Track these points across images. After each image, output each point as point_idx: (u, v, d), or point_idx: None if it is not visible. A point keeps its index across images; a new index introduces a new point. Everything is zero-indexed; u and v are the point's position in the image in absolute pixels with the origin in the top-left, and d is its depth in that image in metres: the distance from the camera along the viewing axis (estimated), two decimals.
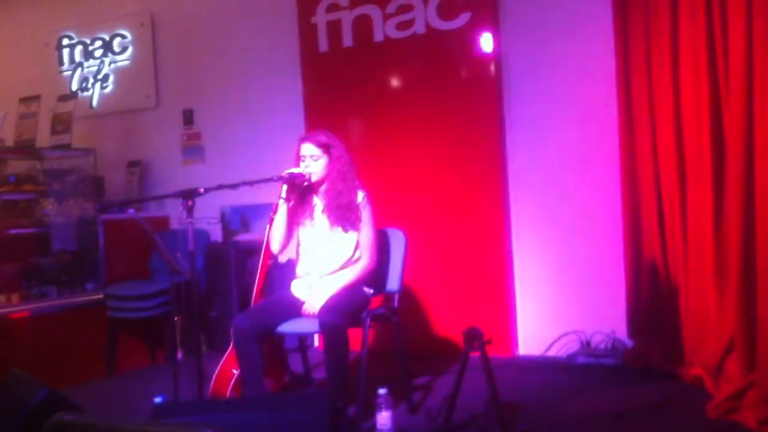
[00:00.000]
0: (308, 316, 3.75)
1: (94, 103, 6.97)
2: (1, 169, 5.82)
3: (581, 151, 5.01)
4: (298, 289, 3.95)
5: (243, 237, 5.87)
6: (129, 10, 6.82)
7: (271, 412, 2.93)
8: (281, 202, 3.83)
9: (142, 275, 5.84)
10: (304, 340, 4.49)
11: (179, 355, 4.56)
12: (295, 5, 5.84)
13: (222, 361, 3.89)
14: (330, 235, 3.88)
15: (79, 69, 7.06)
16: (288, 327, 3.79)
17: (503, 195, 5.19)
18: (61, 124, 5.91)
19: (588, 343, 4.90)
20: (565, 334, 5.00)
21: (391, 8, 5.45)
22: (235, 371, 3.78)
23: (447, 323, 5.27)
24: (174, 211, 6.02)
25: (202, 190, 3.48)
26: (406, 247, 4.10)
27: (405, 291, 4.12)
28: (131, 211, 5.19)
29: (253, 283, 3.97)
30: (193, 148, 6.52)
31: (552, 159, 5.11)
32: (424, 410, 3.89)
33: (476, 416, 3.53)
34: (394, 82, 5.59)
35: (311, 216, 3.93)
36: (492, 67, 5.18)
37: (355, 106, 5.72)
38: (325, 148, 3.87)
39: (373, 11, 5.52)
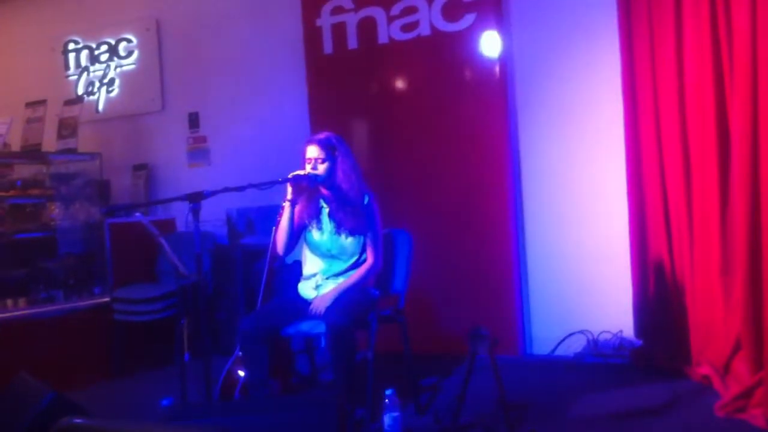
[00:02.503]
0: (315, 317, 3.75)
1: (100, 107, 6.98)
2: (8, 174, 5.85)
3: (588, 150, 5.00)
4: (304, 290, 3.95)
5: (249, 239, 5.88)
6: (134, 14, 6.84)
7: (279, 414, 2.94)
8: (287, 204, 3.84)
9: (149, 278, 5.85)
10: (310, 341, 4.49)
11: (186, 357, 4.57)
12: (300, 8, 5.84)
13: (229, 363, 3.90)
14: (336, 237, 3.89)
15: (85, 73, 7.08)
16: (294, 329, 3.80)
17: (509, 195, 5.18)
18: (67, 128, 5.93)
19: (595, 343, 4.90)
20: (573, 334, 4.99)
21: (395, 10, 5.45)
22: (242, 373, 3.78)
23: (453, 323, 5.26)
24: (180, 214, 6.02)
25: (208, 192, 3.48)
26: (412, 247, 4.09)
27: (411, 292, 4.11)
28: (137, 214, 5.21)
29: (260, 285, 3.98)
30: (198, 151, 6.53)
31: (559, 159, 5.10)
32: (431, 411, 3.89)
33: (484, 416, 3.53)
34: (399, 84, 5.59)
35: (318, 218, 3.94)
36: (497, 68, 5.17)
37: (360, 108, 5.72)
38: (331, 150, 3.88)
39: (377, 13, 5.51)
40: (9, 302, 5.24)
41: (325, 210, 3.93)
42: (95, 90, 7.00)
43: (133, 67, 6.88)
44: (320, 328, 3.68)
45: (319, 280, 3.92)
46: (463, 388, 3.50)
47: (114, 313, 5.51)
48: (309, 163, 3.87)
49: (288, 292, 4.04)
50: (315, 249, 3.95)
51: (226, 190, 3.65)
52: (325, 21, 5.72)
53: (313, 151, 3.87)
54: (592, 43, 4.94)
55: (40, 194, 5.78)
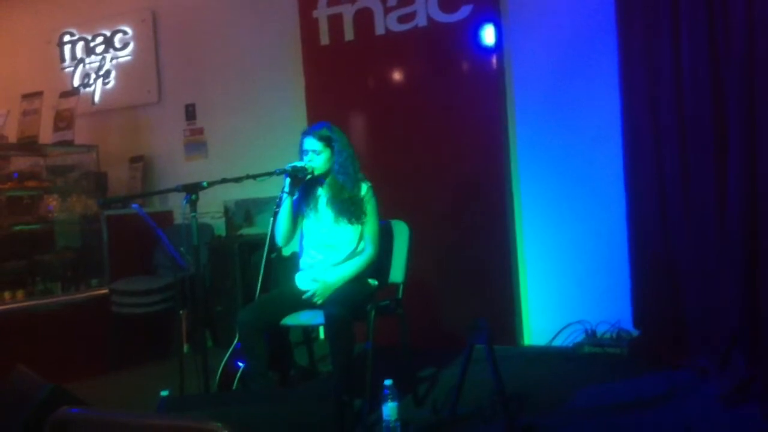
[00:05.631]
0: (312, 306, 3.75)
1: (96, 99, 6.97)
2: (5, 166, 5.83)
3: (585, 141, 4.99)
4: (302, 281, 3.95)
5: (247, 231, 5.87)
6: (130, 5, 6.82)
7: (277, 405, 2.93)
8: (285, 196, 3.84)
9: (147, 271, 5.84)
10: (309, 333, 4.49)
11: (184, 349, 4.58)
12: None
13: (227, 354, 3.90)
14: (334, 227, 3.88)
15: (81, 65, 7.06)
16: (293, 320, 3.80)
17: (507, 186, 5.18)
18: (63, 120, 5.91)
19: (593, 333, 4.90)
20: (570, 325, 5.00)
21: (392, 1, 5.43)
22: (240, 365, 3.78)
23: (451, 315, 5.27)
24: (178, 206, 6.01)
25: (205, 184, 3.48)
26: (410, 238, 4.09)
27: (409, 283, 4.11)
28: (135, 206, 5.19)
29: (258, 277, 3.98)
30: (195, 144, 6.52)
31: (556, 150, 5.09)
32: (429, 402, 3.90)
33: (482, 408, 3.53)
34: (396, 76, 5.58)
35: (316, 208, 3.94)
36: (494, 60, 5.16)
37: (357, 99, 5.71)
38: (327, 141, 3.87)
39: (374, 4, 5.50)
40: (7, 295, 5.23)
41: (323, 200, 3.93)
42: (91, 82, 6.99)
43: (129, 58, 6.86)
44: (319, 319, 3.68)
45: (316, 270, 3.91)
46: (461, 379, 3.51)
47: (112, 305, 5.50)
48: (306, 155, 3.87)
49: (286, 284, 4.04)
50: (312, 239, 3.95)
51: (224, 181, 3.65)
52: (322, 12, 5.70)
53: (310, 143, 3.87)
54: (590, 34, 4.93)
55: (37, 186, 5.77)
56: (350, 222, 3.86)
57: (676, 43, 4.26)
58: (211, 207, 5.81)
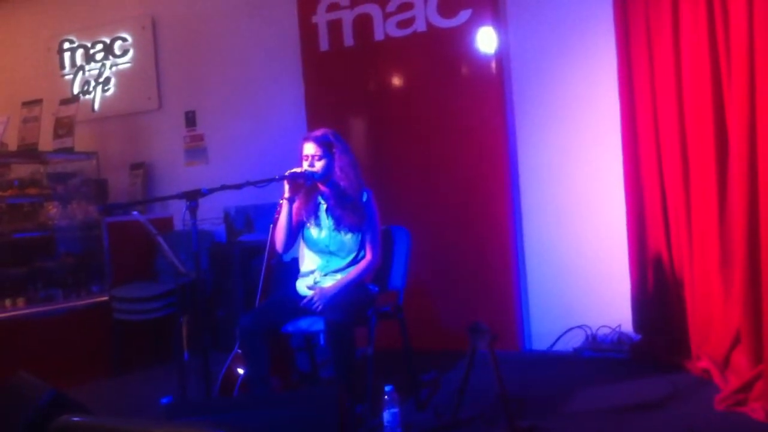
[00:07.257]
0: (313, 310, 3.74)
1: (96, 106, 6.98)
2: (5, 173, 5.84)
3: (586, 146, 4.99)
4: (302, 287, 3.94)
5: (247, 237, 5.87)
6: (129, 12, 6.83)
7: (279, 410, 2.93)
8: (284, 202, 3.84)
9: (148, 277, 5.84)
10: (310, 338, 4.49)
11: (185, 355, 4.57)
12: (296, 5, 5.83)
13: (228, 360, 3.90)
14: (335, 234, 3.88)
15: (81, 72, 7.07)
16: (293, 326, 3.80)
17: (507, 191, 5.17)
18: (63, 127, 5.92)
19: (594, 338, 4.89)
20: (572, 329, 5.00)
21: (391, 7, 5.44)
22: (241, 371, 3.78)
23: (453, 319, 5.25)
24: (178, 212, 6.00)
25: (205, 190, 3.48)
26: (411, 244, 4.09)
27: (410, 288, 4.11)
28: (135, 213, 5.19)
29: (258, 283, 3.98)
30: (195, 150, 6.53)
31: (556, 154, 5.10)
32: (431, 406, 3.90)
33: (483, 411, 3.52)
34: (396, 81, 5.58)
35: (316, 214, 3.93)
36: (493, 64, 5.17)
37: (356, 104, 5.71)
38: (328, 147, 3.87)
39: (373, 10, 5.51)
40: (8, 302, 5.23)
41: (323, 206, 3.93)
42: (91, 89, 6.99)
43: (128, 65, 6.87)
44: (319, 325, 3.68)
45: (317, 276, 3.91)
46: (463, 382, 3.51)
47: (113, 311, 5.50)
48: (306, 160, 3.86)
49: (287, 289, 4.04)
50: (313, 246, 3.94)
51: (224, 187, 3.65)
52: (321, 18, 5.71)
53: (310, 148, 3.86)
54: (589, 38, 4.94)
55: (37, 194, 5.77)
56: (351, 229, 3.86)
57: (676, 44, 4.27)
58: (211, 213, 5.81)
